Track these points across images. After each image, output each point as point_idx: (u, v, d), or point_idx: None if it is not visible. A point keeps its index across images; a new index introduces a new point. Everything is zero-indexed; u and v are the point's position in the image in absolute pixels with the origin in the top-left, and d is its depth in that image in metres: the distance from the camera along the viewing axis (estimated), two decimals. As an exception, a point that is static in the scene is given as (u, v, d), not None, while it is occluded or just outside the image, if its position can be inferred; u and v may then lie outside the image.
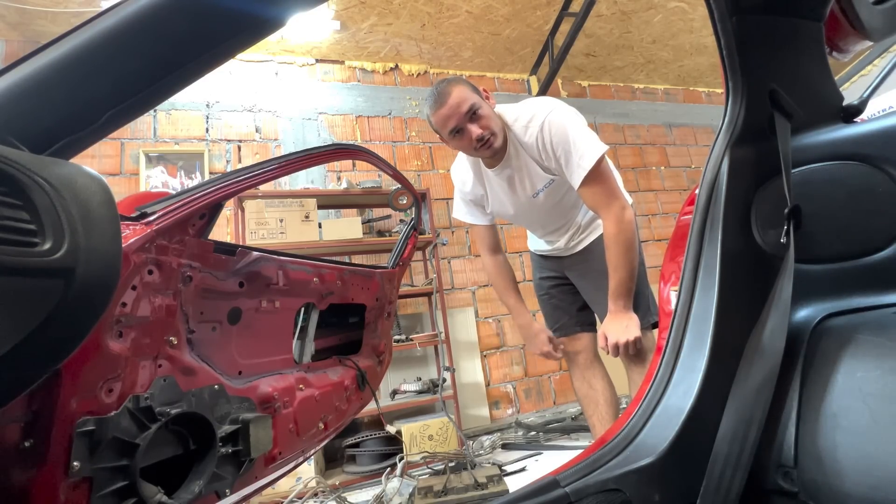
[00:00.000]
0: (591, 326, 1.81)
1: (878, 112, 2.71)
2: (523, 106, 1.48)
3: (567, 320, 1.80)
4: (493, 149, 1.43)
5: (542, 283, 1.88)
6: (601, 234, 1.52)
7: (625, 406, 2.94)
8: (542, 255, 1.88)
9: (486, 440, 2.86)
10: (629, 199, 1.68)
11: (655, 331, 1.61)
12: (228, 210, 2.88)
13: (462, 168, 1.69)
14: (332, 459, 2.79)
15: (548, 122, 1.40)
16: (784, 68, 0.82)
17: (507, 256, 1.80)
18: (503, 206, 1.64)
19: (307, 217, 2.80)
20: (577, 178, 1.39)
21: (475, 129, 1.37)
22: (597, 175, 1.37)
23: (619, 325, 1.39)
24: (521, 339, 3.55)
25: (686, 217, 0.89)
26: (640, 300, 1.60)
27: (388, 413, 2.73)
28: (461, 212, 1.75)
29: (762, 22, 0.80)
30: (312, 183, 3.31)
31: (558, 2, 3.38)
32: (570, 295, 1.79)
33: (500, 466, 2.27)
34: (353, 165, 3.45)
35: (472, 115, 1.36)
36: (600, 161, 1.37)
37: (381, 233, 3.21)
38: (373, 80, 3.72)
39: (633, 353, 1.39)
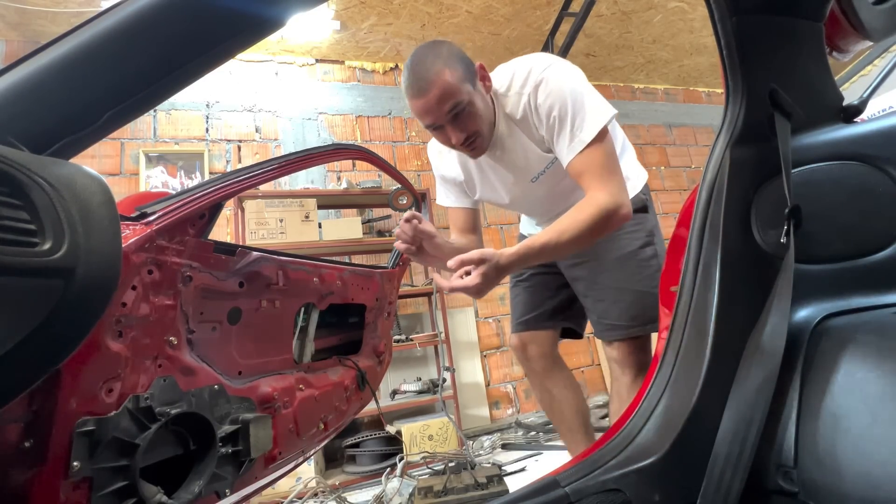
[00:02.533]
0: (562, 323, 1.52)
1: (878, 112, 2.72)
2: (518, 65, 1.20)
3: (536, 314, 1.51)
4: (476, 152, 1.20)
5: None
6: None
7: (602, 420, 2.90)
8: None
9: (486, 440, 2.86)
10: (644, 173, 1.43)
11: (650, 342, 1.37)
12: (228, 210, 2.88)
13: (441, 148, 1.40)
14: (332, 459, 2.78)
15: (543, 79, 1.13)
16: (784, 68, 0.82)
17: (481, 240, 1.50)
18: (495, 193, 1.38)
19: (307, 217, 2.80)
20: (568, 152, 1.11)
21: (456, 134, 1.13)
22: (595, 149, 1.09)
23: (490, 273, 0.99)
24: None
25: (686, 217, 0.89)
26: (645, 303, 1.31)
27: (388, 413, 2.73)
28: (441, 195, 1.48)
29: (762, 22, 0.80)
30: (312, 183, 3.31)
31: (558, 2, 3.38)
32: (551, 288, 1.51)
33: (500, 466, 2.27)
34: (353, 165, 3.45)
35: (456, 115, 1.10)
36: (603, 133, 1.09)
37: (381, 233, 3.22)
38: (373, 80, 3.72)
39: (447, 291, 1.02)
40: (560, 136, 1.13)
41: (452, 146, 1.19)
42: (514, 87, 1.18)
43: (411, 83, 1.08)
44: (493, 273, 1.00)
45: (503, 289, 3.62)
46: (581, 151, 1.10)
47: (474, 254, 0.99)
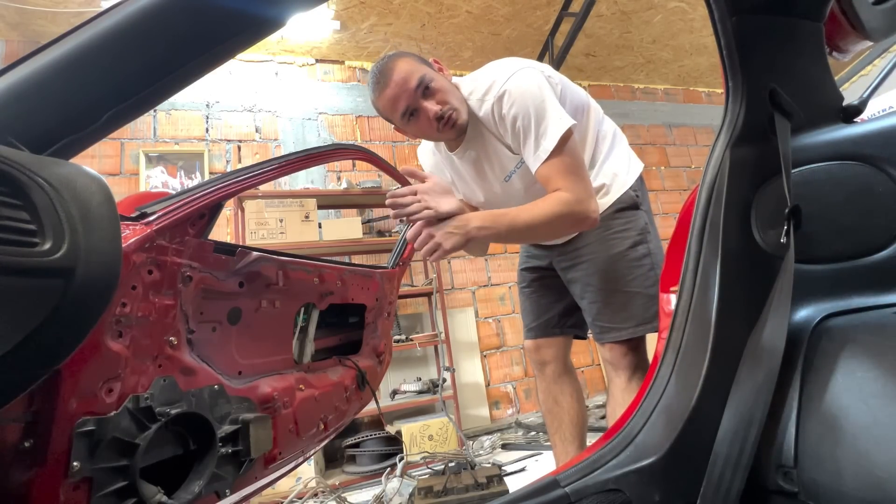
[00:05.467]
0: (572, 330, 1.54)
1: (878, 112, 2.72)
2: (483, 73, 1.24)
3: (545, 320, 1.54)
4: (458, 126, 1.20)
5: (525, 274, 1.60)
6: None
7: (601, 420, 2.91)
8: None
9: (486, 440, 2.86)
10: (637, 166, 1.43)
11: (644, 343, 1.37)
12: (228, 210, 2.88)
13: (427, 151, 1.46)
14: (331, 459, 2.79)
15: (506, 90, 1.15)
16: (784, 68, 0.82)
17: None
18: (474, 195, 1.40)
19: (307, 217, 2.80)
20: (534, 161, 1.15)
21: (431, 107, 1.15)
22: (560, 157, 1.12)
23: (451, 226, 1.08)
24: (521, 339, 3.56)
25: (686, 217, 0.89)
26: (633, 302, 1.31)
27: (388, 413, 2.73)
28: None
29: (762, 22, 0.80)
30: (312, 183, 3.31)
31: (558, 2, 3.38)
32: (554, 291, 1.52)
33: (500, 466, 2.27)
34: (353, 165, 3.45)
35: (425, 89, 1.14)
36: (564, 140, 1.12)
37: (381, 233, 3.22)
38: (373, 80, 3.72)
39: (428, 256, 1.09)
40: (525, 144, 1.17)
41: (433, 129, 1.19)
42: (476, 93, 1.22)
43: (376, 82, 1.15)
44: (466, 222, 1.09)
45: (502, 289, 3.62)
46: (546, 160, 1.13)
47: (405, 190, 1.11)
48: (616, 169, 1.36)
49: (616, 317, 1.32)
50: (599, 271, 1.33)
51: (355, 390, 1.21)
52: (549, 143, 1.12)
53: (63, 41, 0.45)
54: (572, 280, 1.42)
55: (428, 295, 3.16)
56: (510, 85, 1.15)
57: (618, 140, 1.42)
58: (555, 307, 1.53)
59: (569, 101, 1.24)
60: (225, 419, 0.78)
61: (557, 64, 3.68)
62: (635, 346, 1.34)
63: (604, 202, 1.34)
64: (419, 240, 1.09)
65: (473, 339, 3.43)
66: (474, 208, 1.47)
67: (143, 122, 3.08)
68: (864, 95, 0.83)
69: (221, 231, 3.01)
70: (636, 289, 1.30)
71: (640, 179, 1.41)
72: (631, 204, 1.35)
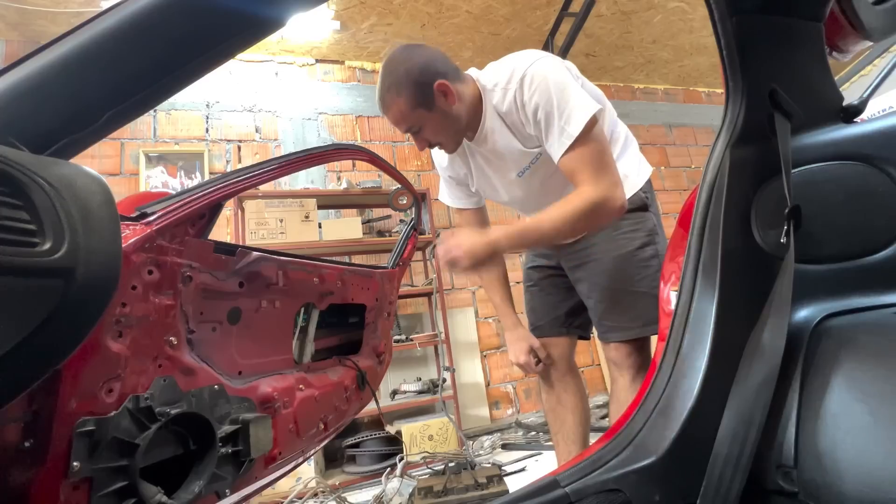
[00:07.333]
0: (577, 330, 1.54)
1: (878, 112, 2.71)
2: (505, 64, 1.22)
3: (550, 320, 1.53)
4: (447, 151, 1.31)
5: (531, 273, 1.60)
6: None
7: (602, 420, 2.91)
8: None
9: (486, 440, 2.86)
10: (647, 169, 1.43)
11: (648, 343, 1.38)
12: (228, 210, 2.88)
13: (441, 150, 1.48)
14: (332, 459, 2.79)
15: (527, 77, 1.13)
16: (784, 68, 0.82)
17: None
18: (489, 186, 1.41)
19: (307, 217, 2.80)
20: (558, 147, 1.12)
21: (420, 144, 1.25)
22: (585, 144, 1.09)
23: (470, 239, 1.11)
24: (521, 339, 3.56)
25: (686, 217, 0.89)
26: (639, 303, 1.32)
27: (388, 413, 2.73)
28: (444, 194, 1.53)
29: (762, 22, 0.80)
30: (312, 183, 3.31)
31: (558, 2, 3.38)
32: (561, 291, 1.51)
33: (500, 466, 2.27)
34: (353, 165, 3.45)
35: (414, 132, 1.22)
36: (590, 126, 1.08)
37: (381, 233, 3.22)
38: (373, 80, 3.72)
39: (446, 266, 1.13)
40: (549, 132, 1.13)
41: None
42: (500, 83, 1.20)
43: (378, 98, 1.20)
44: (484, 235, 1.13)
45: (503, 289, 3.61)
46: (571, 147, 1.10)
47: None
48: (627, 171, 1.35)
49: (622, 317, 1.33)
50: (607, 271, 1.34)
51: (355, 390, 1.21)
52: (575, 127, 1.08)
53: (63, 41, 0.45)
54: (579, 279, 1.42)
55: (428, 295, 3.16)
56: (532, 70, 1.13)
57: (629, 142, 1.42)
58: (561, 306, 1.52)
59: (588, 94, 1.23)
60: (225, 419, 0.77)
61: (557, 64, 3.68)
62: (640, 347, 1.34)
63: None
64: (447, 260, 1.12)
65: (473, 339, 3.43)
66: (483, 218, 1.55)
67: (143, 122, 3.08)
68: (864, 95, 0.83)
69: (221, 231, 3.01)
70: (643, 289, 1.31)
71: (649, 182, 1.42)
72: (640, 205, 1.36)
